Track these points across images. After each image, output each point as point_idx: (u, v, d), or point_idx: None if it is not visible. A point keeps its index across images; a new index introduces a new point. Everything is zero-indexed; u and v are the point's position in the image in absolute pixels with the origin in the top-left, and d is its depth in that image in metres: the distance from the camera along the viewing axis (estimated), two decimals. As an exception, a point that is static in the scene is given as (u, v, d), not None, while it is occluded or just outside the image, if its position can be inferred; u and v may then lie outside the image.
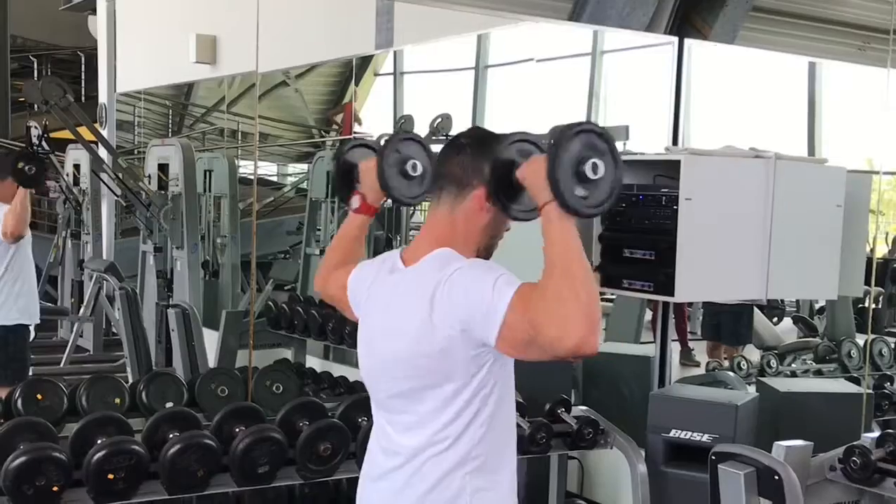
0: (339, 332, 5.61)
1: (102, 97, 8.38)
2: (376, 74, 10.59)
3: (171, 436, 3.22)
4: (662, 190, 3.92)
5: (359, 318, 2.29)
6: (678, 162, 3.79)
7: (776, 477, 2.57)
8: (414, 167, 2.27)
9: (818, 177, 4.13)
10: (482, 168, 2.09)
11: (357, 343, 2.26)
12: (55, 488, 2.98)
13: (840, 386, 4.54)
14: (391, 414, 2.15)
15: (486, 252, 2.14)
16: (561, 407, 3.91)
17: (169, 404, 3.95)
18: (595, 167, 1.86)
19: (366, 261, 2.38)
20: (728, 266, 3.92)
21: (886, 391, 4.83)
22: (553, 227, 1.87)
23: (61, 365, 7.00)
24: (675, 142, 4.31)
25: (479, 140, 2.14)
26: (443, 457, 2.05)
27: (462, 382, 2.02)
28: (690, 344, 7.29)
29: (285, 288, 7.87)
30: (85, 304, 7.23)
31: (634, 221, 4.00)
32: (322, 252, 7.29)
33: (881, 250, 6.66)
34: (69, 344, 6.88)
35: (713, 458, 2.71)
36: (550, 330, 1.79)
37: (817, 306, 7.07)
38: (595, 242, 4.13)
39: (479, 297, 1.91)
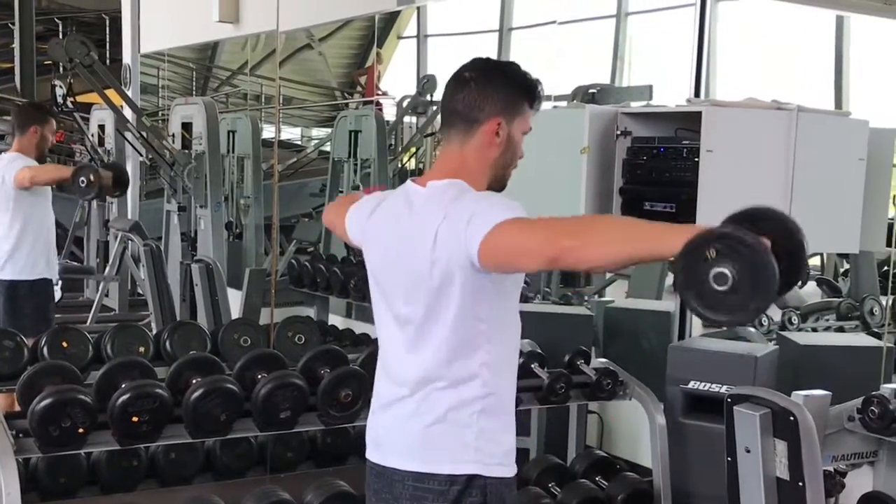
0: (361, 289, 5.65)
1: (126, 58, 8.41)
2: (400, 37, 10.57)
3: (194, 381, 3.26)
4: (683, 142, 3.90)
5: (362, 243, 2.30)
6: (699, 114, 3.76)
7: (791, 418, 2.58)
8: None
9: (841, 130, 4.09)
10: (489, 101, 2.10)
11: (367, 265, 2.28)
12: (81, 430, 3.03)
13: (861, 340, 4.52)
14: (397, 339, 2.17)
15: (498, 184, 2.17)
16: (580, 358, 3.93)
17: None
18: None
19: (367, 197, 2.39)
20: (749, 219, 3.89)
21: (907, 346, 4.81)
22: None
23: (87, 324, 7.08)
24: (696, 94, 4.29)
25: (483, 73, 2.14)
26: (448, 392, 2.07)
27: (458, 313, 2.04)
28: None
29: (308, 250, 7.91)
30: (110, 263, 7.30)
31: (655, 174, 3.98)
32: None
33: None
34: (95, 303, 6.95)
35: (729, 400, 2.71)
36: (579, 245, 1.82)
37: (842, 269, 7.03)
38: (615, 195, 4.12)
39: (473, 213, 1.96)
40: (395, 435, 2.15)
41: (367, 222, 2.26)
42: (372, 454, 2.23)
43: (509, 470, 2.11)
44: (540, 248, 1.86)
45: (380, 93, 8.99)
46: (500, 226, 1.91)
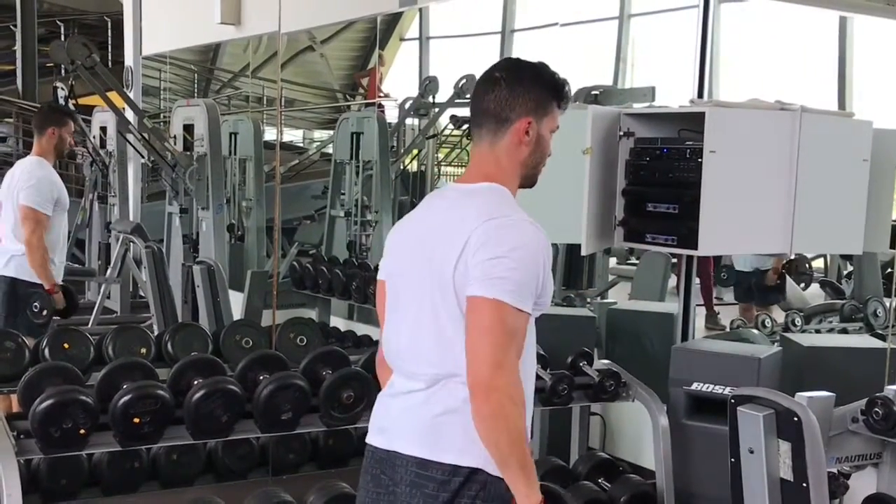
0: (362, 291, 5.64)
1: (128, 60, 8.41)
2: (402, 39, 10.56)
3: (195, 382, 3.25)
4: (687, 143, 3.89)
5: (385, 256, 2.32)
6: (703, 115, 3.75)
7: (795, 419, 2.57)
8: None
9: (844, 130, 4.08)
10: (519, 101, 2.14)
11: (388, 259, 2.30)
12: (82, 431, 3.02)
13: (865, 341, 4.50)
14: (415, 334, 2.16)
15: (529, 181, 2.22)
16: (583, 360, 3.92)
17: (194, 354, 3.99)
18: None
19: None
20: (752, 220, 3.89)
21: (912, 348, 4.80)
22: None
23: (89, 326, 7.06)
24: (700, 94, 4.28)
25: (513, 73, 2.17)
26: (461, 390, 2.06)
27: None
28: (716, 308, 7.28)
29: (310, 253, 7.90)
30: (112, 265, 7.28)
31: (658, 175, 3.97)
32: (346, 214, 7.32)
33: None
34: (96, 305, 6.93)
35: (733, 400, 2.70)
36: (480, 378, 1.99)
37: (845, 272, 7.02)
38: (618, 197, 4.11)
39: (490, 267, 2.01)
40: (405, 420, 2.15)
41: (392, 238, 2.31)
42: (375, 438, 2.23)
43: None
44: (481, 370, 1.99)
45: (381, 95, 8.98)
46: (492, 305, 1.99)
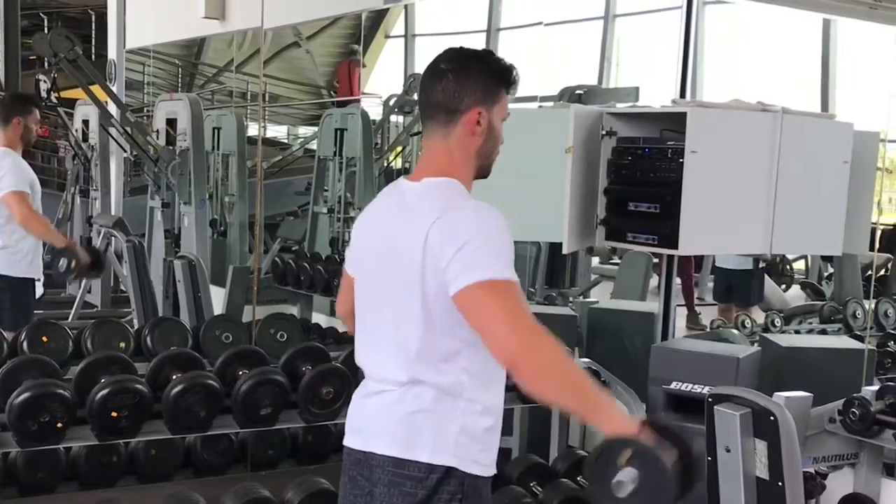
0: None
1: (112, 53, 8.37)
2: (387, 37, 10.56)
3: (174, 376, 3.24)
4: (668, 143, 3.89)
5: (350, 252, 2.32)
6: (685, 115, 3.76)
7: (772, 418, 2.58)
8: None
9: (825, 132, 4.10)
10: (467, 91, 2.12)
11: (353, 262, 2.29)
12: (59, 425, 3.02)
13: (843, 342, 4.53)
14: (383, 340, 2.15)
15: (483, 171, 2.20)
16: (563, 358, 3.91)
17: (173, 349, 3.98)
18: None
19: None
20: (732, 220, 3.90)
21: (890, 349, 4.83)
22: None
23: (69, 320, 7.03)
24: (682, 95, 4.29)
25: (459, 63, 2.15)
26: (434, 389, 2.06)
27: (442, 319, 2.05)
28: (697, 309, 7.30)
29: (293, 249, 7.89)
30: (93, 259, 7.25)
31: (640, 174, 3.98)
32: (329, 211, 7.31)
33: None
34: (77, 299, 6.90)
35: (710, 399, 2.71)
36: (518, 355, 1.95)
37: (826, 273, 7.06)
38: (600, 196, 4.12)
39: (465, 242, 1.99)
40: (378, 420, 2.14)
41: (356, 233, 2.29)
42: (351, 440, 2.22)
43: (487, 470, 2.11)
44: (507, 347, 1.96)
45: (361, 93, 8.99)
46: (481, 287, 1.97)
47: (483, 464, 2.09)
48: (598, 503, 1.94)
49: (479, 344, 2.05)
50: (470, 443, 2.07)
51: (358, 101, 8.88)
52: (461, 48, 2.19)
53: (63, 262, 4.73)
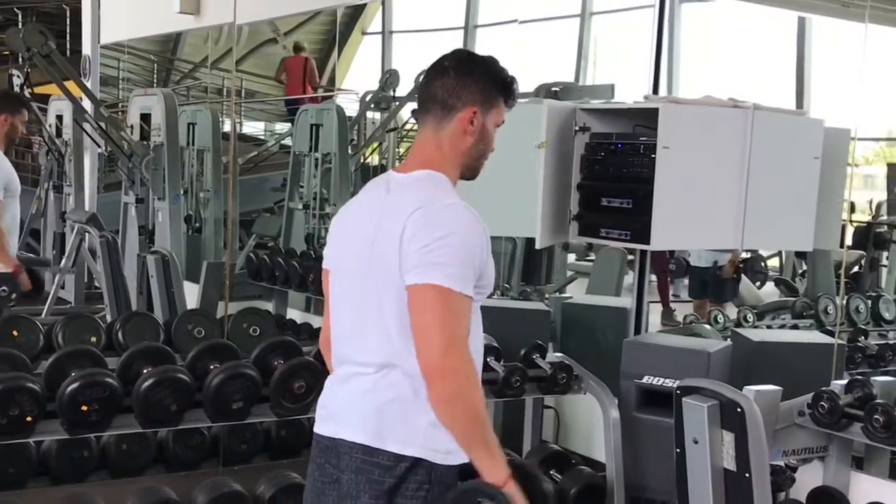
0: (319, 284, 5.61)
1: (86, 49, 8.32)
2: (364, 33, 10.53)
3: (145, 370, 3.23)
4: (641, 139, 3.92)
5: (329, 249, 2.32)
6: (657, 111, 3.78)
7: (739, 410, 2.60)
8: None
9: (796, 128, 4.13)
10: (466, 90, 2.15)
11: (331, 249, 2.29)
12: (29, 419, 3.00)
13: (813, 337, 4.56)
14: (355, 321, 2.16)
15: (470, 173, 2.23)
16: (536, 352, 3.93)
17: (145, 343, 3.97)
18: None
19: None
20: (704, 215, 3.92)
21: (860, 344, 4.86)
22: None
23: (42, 316, 6.98)
24: (655, 91, 4.31)
25: (463, 63, 2.19)
26: (406, 378, 2.07)
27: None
28: (672, 306, 7.33)
29: (268, 245, 7.87)
30: (66, 255, 7.21)
31: (613, 170, 4.00)
32: (305, 207, 7.30)
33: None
34: (50, 295, 6.85)
35: (678, 392, 2.74)
36: (431, 359, 2.01)
37: (800, 270, 7.10)
38: (573, 191, 4.14)
39: (430, 244, 2.02)
40: (351, 408, 2.15)
41: (336, 224, 2.31)
42: (321, 427, 2.23)
43: (456, 458, 2.12)
44: (430, 359, 2.01)
45: (317, 88, 9.00)
46: (434, 290, 2.01)
47: (453, 452, 2.10)
48: None
49: None
50: (439, 434, 2.08)
51: (317, 99, 8.88)
52: (469, 51, 2.26)
53: (5, 288, 4.71)
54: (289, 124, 9.95)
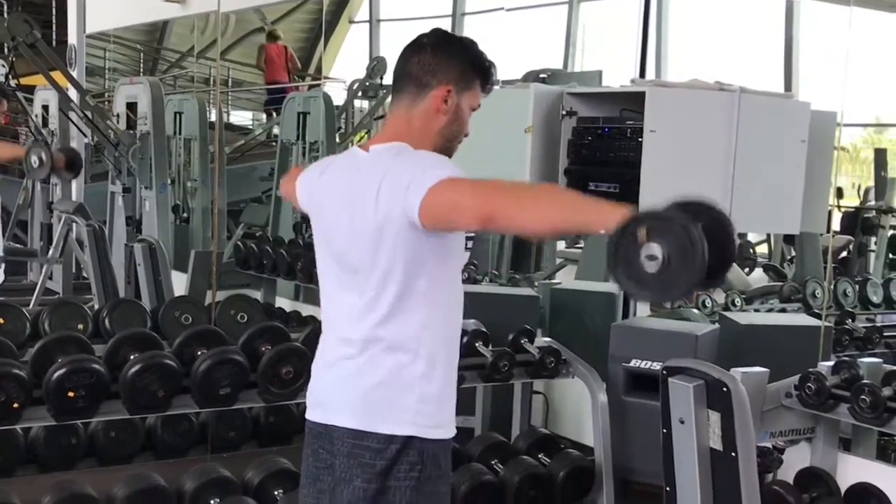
0: (308, 271, 5.61)
1: (72, 38, 8.28)
2: (351, 21, 10.52)
3: (132, 356, 3.22)
4: (627, 122, 3.92)
5: (308, 205, 2.30)
6: (643, 94, 3.79)
7: (724, 389, 2.61)
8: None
9: (783, 111, 4.14)
10: (442, 68, 2.13)
11: (315, 225, 2.27)
12: (15, 405, 2.98)
13: (800, 319, 4.57)
14: (342, 298, 2.16)
15: (443, 154, 2.17)
16: (524, 337, 3.93)
17: (132, 331, 3.95)
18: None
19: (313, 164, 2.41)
20: (691, 199, 3.93)
21: (847, 327, 4.88)
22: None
23: (30, 306, 6.96)
24: (642, 75, 4.32)
25: (441, 41, 2.17)
26: (389, 354, 2.08)
27: (399, 271, 2.06)
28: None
29: (256, 234, 7.85)
30: (54, 245, 7.17)
31: (600, 154, 4.01)
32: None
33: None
34: (38, 285, 6.82)
35: (664, 372, 2.74)
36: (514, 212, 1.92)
37: (789, 256, 7.12)
38: (561, 176, 4.14)
39: (413, 172, 2.00)
40: (338, 393, 2.15)
41: (316, 183, 2.26)
42: (312, 414, 2.23)
43: (447, 432, 2.13)
44: (475, 206, 1.92)
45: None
46: (439, 184, 1.95)
47: (443, 426, 2.11)
48: (629, 286, 1.79)
49: (438, 299, 2.09)
50: (428, 409, 2.09)
51: (297, 88, 8.86)
52: (448, 31, 2.23)
53: (35, 158, 4.57)
54: (272, 115, 9.94)
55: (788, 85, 6.75)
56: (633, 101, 3.90)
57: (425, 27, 2.24)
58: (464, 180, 1.97)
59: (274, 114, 9.52)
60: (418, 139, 2.13)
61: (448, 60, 2.13)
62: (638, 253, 1.72)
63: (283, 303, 6.38)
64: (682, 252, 1.69)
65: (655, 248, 1.71)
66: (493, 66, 2.21)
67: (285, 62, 9.44)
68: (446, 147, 2.17)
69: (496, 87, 2.40)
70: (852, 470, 3.57)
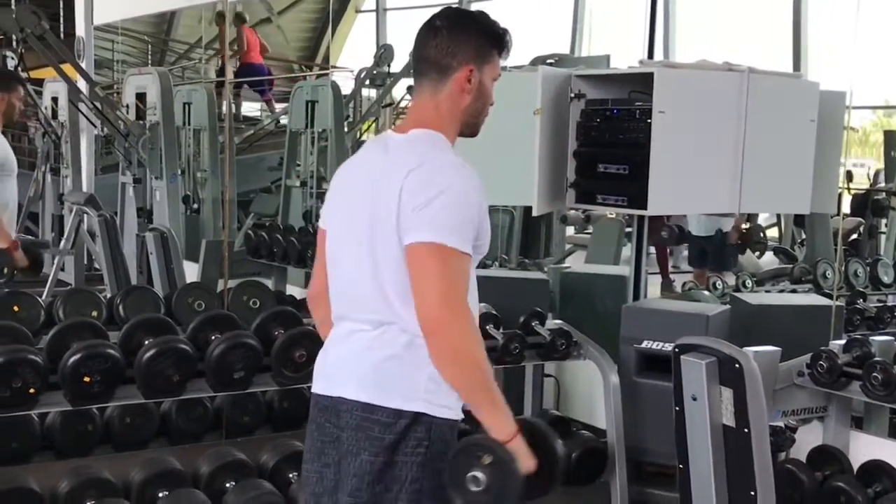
0: (318, 258, 5.62)
1: (80, 30, 8.29)
2: (358, 11, 10.53)
3: (146, 341, 3.24)
4: (636, 104, 3.92)
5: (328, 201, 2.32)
6: (652, 75, 3.78)
7: (737, 366, 2.61)
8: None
9: (792, 91, 4.14)
10: (460, 49, 2.14)
11: (330, 207, 2.29)
12: (32, 390, 3.01)
13: (811, 299, 4.57)
14: (358, 279, 2.16)
15: (471, 130, 2.22)
16: (535, 319, 3.94)
17: (145, 317, 3.97)
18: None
19: None
20: (701, 179, 3.94)
21: (858, 307, 4.88)
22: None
23: (43, 297, 6.98)
24: (650, 56, 4.31)
25: (453, 21, 2.18)
26: (404, 334, 2.08)
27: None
28: (671, 276, 7.35)
29: (266, 224, 7.88)
30: (65, 237, 7.20)
31: (609, 136, 4.01)
32: (302, 184, 7.30)
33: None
34: (50, 277, 6.84)
35: (676, 350, 2.75)
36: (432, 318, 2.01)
37: (799, 239, 7.12)
38: (570, 158, 4.14)
39: (428, 197, 2.02)
40: (350, 366, 2.15)
41: (334, 181, 2.29)
42: (319, 386, 2.23)
43: (456, 413, 2.13)
44: (434, 307, 2.00)
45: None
46: (433, 249, 2.00)
47: (452, 407, 2.11)
48: (449, 487, 2.05)
49: None
50: (438, 388, 2.08)
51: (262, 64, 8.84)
52: (458, 8, 2.24)
53: None
54: (285, 103, 9.94)
55: (797, 65, 6.74)
56: (641, 83, 3.90)
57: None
58: (455, 273, 2.01)
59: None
60: (446, 123, 2.16)
61: (465, 40, 2.14)
62: (471, 469, 2.01)
63: (294, 290, 6.39)
64: (499, 495, 2.00)
65: (484, 478, 2.00)
66: (507, 32, 2.23)
67: (259, 43, 9.40)
68: (473, 122, 2.21)
69: (505, 72, 2.41)
70: (865, 448, 3.57)
